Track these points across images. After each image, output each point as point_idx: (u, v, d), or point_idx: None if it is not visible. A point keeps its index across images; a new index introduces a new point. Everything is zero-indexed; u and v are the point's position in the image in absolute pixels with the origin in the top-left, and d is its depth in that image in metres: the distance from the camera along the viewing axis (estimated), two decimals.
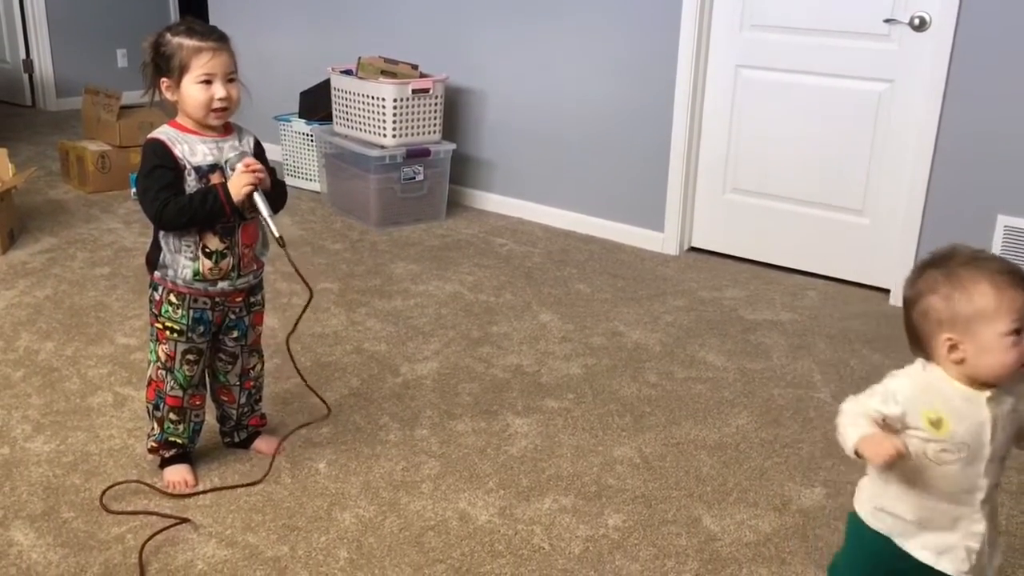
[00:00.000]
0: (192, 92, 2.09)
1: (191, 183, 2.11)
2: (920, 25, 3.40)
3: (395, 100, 4.24)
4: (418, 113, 4.34)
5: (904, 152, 3.53)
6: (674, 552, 2.11)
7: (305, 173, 4.90)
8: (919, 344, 1.48)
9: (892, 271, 3.61)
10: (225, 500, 2.25)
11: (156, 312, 2.22)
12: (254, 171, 2.11)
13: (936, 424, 1.43)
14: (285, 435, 2.48)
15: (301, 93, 4.93)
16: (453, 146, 4.50)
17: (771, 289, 3.73)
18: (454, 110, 4.66)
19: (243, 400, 2.41)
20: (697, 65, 3.90)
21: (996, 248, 3.36)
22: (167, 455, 2.32)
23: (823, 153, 3.73)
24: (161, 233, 2.15)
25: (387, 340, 3.15)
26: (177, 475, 2.30)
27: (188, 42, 2.08)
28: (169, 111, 2.22)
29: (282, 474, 2.36)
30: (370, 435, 2.56)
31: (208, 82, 2.08)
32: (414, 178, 4.39)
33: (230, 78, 2.11)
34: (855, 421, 1.45)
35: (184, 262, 2.15)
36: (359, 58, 4.44)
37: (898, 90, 3.51)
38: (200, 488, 2.29)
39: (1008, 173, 3.31)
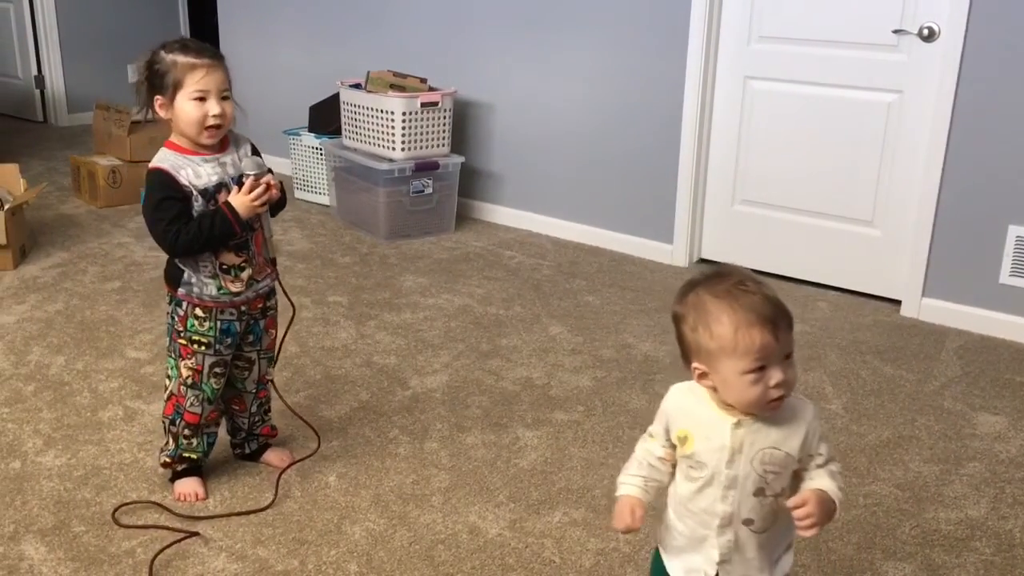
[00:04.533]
0: (186, 109, 2.07)
1: (197, 207, 2.11)
2: (929, 36, 3.39)
3: (404, 113, 4.25)
4: (427, 126, 4.35)
5: (914, 162, 3.52)
6: None
7: (314, 187, 4.91)
8: (686, 359, 1.47)
9: (903, 282, 3.60)
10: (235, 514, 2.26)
11: (180, 328, 2.21)
12: (268, 187, 2.13)
13: (683, 440, 1.46)
14: (295, 461, 2.46)
15: (310, 107, 4.95)
16: (462, 159, 4.51)
17: (781, 300, 3.71)
18: (463, 123, 4.67)
19: (254, 408, 2.41)
20: (706, 77, 3.90)
21: (1008, 258, 3.35)
22: (179, 468, 2.32)
23: (833, 164, 3.72)
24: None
25: (396, 353, 3.15)
26: (188, 487, 2.30)
27: (183, 59, 2.07)
28: (164, 129, 2.21)
29: (292, 488, 2.36)
30: (380, 448, 2.56)
31: (202, 99, 2.07)
32: (423, 191, 4.40)
33: (224, 95, 2.10)
34: (629, 468, 1.52)
35: (206, 280, 2.17)
36: (368, 72, 4.45)
37: (907, 101, 3.50)
38: (210, 503, 2.29)
39: (1019, 182, 3.30)
